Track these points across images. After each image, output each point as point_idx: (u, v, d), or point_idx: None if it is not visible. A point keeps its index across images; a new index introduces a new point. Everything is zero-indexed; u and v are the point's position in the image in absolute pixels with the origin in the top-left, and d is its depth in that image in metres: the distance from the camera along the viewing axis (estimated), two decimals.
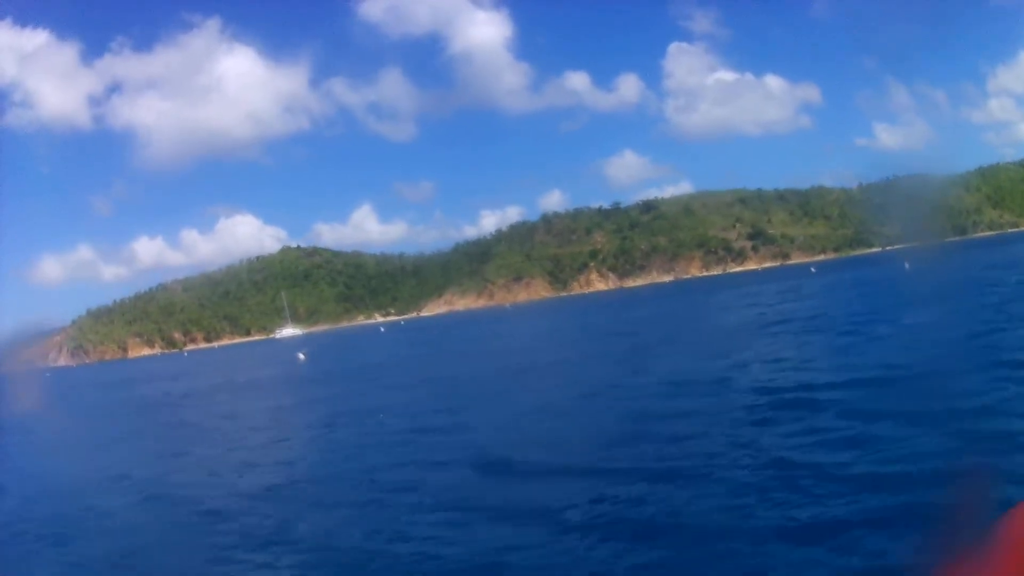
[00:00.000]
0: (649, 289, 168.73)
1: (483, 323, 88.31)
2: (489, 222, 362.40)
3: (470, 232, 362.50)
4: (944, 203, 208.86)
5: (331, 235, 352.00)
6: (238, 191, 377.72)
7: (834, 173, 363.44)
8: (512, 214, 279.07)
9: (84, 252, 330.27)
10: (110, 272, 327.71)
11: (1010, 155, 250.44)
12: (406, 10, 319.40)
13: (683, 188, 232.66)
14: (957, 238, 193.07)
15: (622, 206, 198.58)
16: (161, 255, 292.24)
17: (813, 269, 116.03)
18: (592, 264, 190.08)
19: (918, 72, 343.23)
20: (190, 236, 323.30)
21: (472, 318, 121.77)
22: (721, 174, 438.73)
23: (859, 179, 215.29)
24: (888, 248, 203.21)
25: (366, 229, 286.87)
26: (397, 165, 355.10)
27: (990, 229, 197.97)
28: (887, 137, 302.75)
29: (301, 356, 60.22)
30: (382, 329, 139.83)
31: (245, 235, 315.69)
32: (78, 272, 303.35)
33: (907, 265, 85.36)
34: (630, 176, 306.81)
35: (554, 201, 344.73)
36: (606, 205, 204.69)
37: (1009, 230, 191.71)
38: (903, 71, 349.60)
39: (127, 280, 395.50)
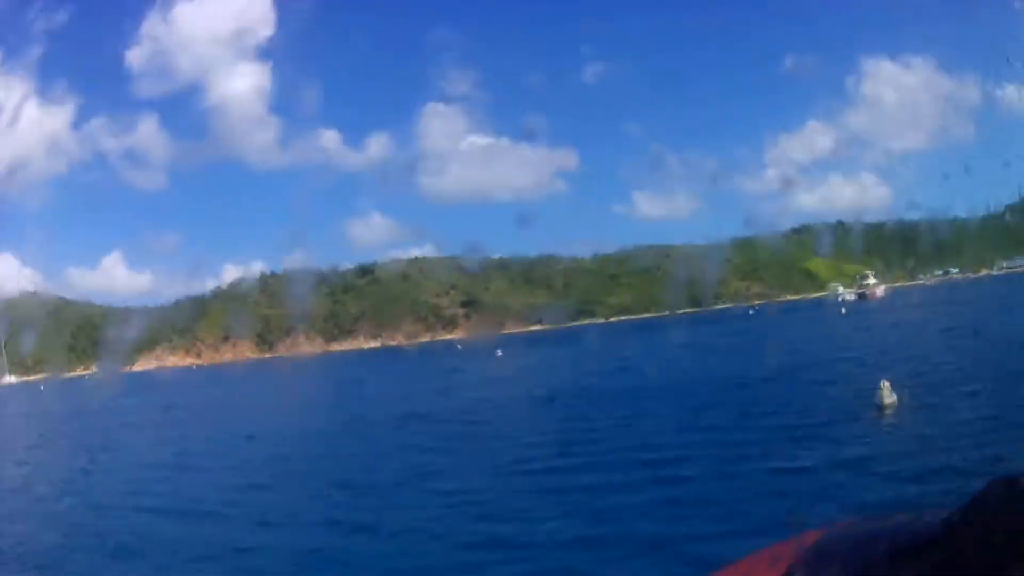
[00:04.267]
0: (349, 355, 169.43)
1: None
2: (233, 276, 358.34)
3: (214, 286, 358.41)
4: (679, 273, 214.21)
5: (82, 281, 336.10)
6: None
7: (587, 242, 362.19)
8: (257, 270, 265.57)
9: None
10: None
11: (785, 225, 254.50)
12: (171, 58, 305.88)
13: (429, 251, 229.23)
14: (691, 310, 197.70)
15: (339, 269, 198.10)
16: None
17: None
18: (301, 327, 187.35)
19: (687, 140, 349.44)
20: None
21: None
22: (470, 239, 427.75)
23: (594, 249, 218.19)
24: (612, 319, 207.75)
25: (115, 277, 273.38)
26: (147, 215, 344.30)
27: (732, 301, 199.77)
28: (647, 206, 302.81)
29: None
30: (41, 388, 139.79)
31: (2, 275, 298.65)
32: None
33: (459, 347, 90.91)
34: (376, 237, 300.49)
35: (299, 259, 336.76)
36: (330, 266, 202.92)
37: (756, 302, 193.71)
38: (670, 139, 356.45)
39: None
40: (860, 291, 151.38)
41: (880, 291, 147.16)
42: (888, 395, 24.12)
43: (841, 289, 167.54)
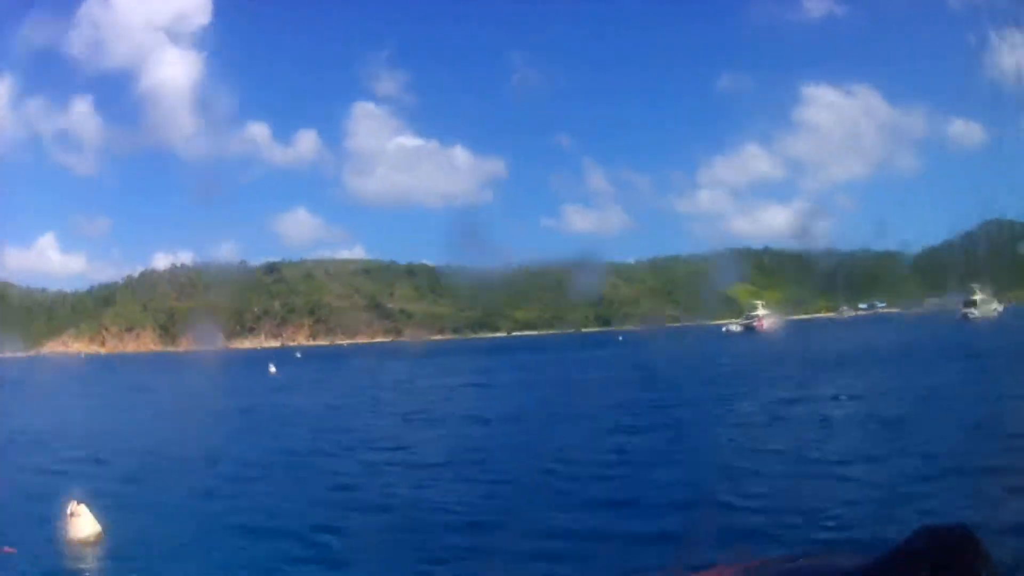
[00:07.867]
0: (239, 353, 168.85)
1: None
2: (161, 264, 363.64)
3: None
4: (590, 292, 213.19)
5: (16, 261, 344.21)
6: None
7: (508, 253, 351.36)
8: (183, 258, 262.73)
9: None
10: None
11: (712, 248, 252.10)
12: (108, 43, 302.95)
13: (356, 252, 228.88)
14: (597, 329, 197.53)
15: (249, 264, 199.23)
16: None
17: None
18: (204, 322, 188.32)
19: (620, 156, 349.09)
20: None
21: None
22: (395, 242, 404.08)
23: (514, 261, 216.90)
24: (514, 334, 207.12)
25: (49, 259, 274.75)
26: (79, 198, 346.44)
27: (642, 322, 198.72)
28: (577, 219, 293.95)
29: None
30: None
31: None
32: None
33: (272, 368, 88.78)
34: (301, 234, 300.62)
35: (226, 250, 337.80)
36: (240, 261, 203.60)
37: (675, 324, 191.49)
38: (602, 153, 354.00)
39: None
40: (747, 322, 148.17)
41: (767, 323, 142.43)
42: (84, 523, 14.90)
43: (758, 312, 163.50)
